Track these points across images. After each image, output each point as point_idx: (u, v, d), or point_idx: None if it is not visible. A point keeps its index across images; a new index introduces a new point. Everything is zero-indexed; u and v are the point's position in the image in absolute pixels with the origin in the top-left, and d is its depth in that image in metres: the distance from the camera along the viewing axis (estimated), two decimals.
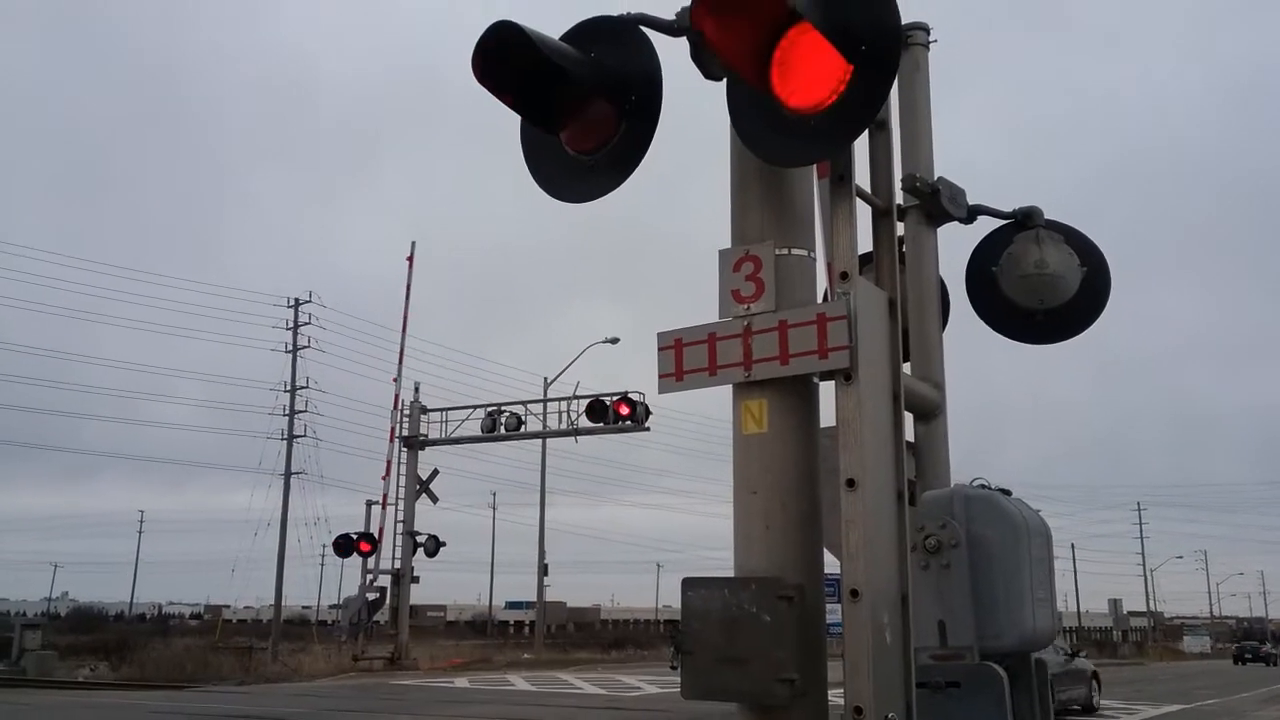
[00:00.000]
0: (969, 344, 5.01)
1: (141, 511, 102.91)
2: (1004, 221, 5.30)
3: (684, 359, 3.87)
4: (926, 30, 4.95)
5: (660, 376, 3.92)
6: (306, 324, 47.83)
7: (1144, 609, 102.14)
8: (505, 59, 3.71)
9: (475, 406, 34.83)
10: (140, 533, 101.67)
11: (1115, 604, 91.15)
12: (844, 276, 3.61)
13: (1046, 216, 5.27)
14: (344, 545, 33.41)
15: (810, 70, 3.52)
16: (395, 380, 36.18)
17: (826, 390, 3.92)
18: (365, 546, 33.34)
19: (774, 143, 3.68)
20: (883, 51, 3.44)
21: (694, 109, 3.91)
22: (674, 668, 3.69)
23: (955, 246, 5.27)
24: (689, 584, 3.72)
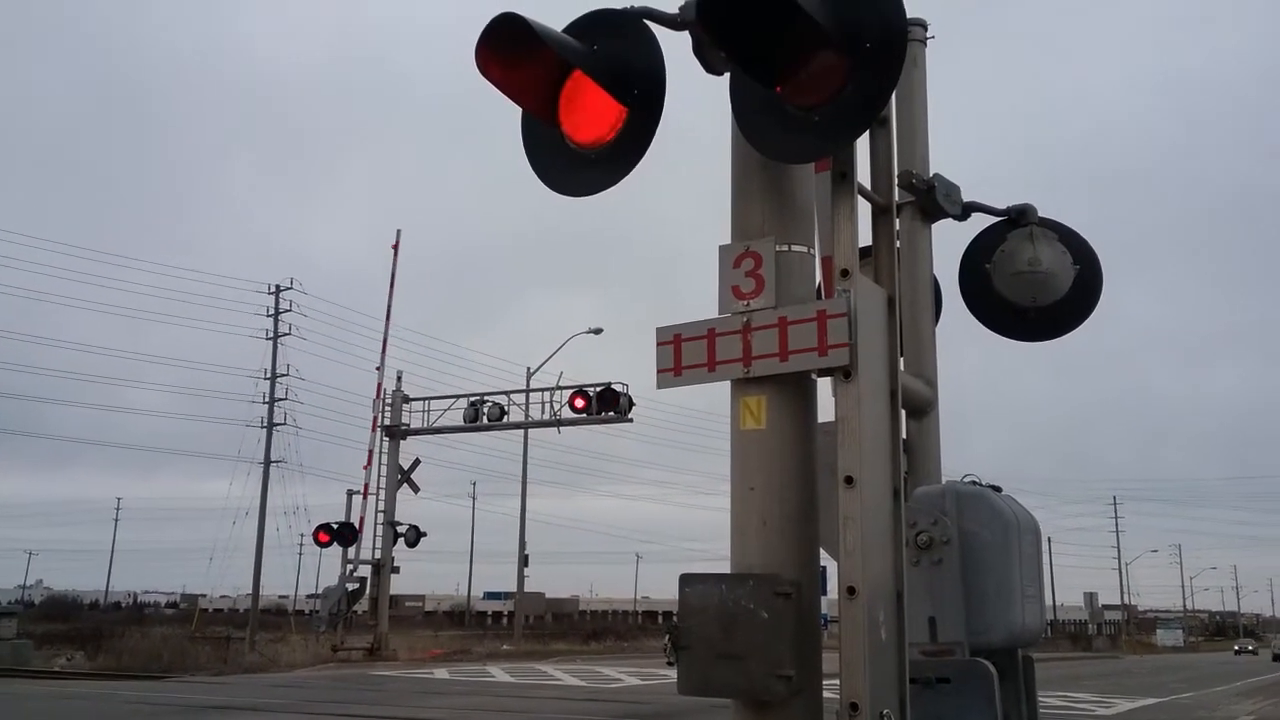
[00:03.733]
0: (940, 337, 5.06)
1: (118, 498, 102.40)
2: (998, 219, 5.32)
3: (683, 354, 3.86)
4: (924, 26, 4.95)
5: (659, 371, 3.91)
6: (287, 311, 47.64)
7: (1118, 602, 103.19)
8: (508, 52, 3.69)
9: (458, 396, 34.76)
10: (116, 520, 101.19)
11: (1091, 597, 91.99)
12: (845, 274, 3.61)
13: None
14: (331, 535, 33.34)
15: (814, 67, 3.52)
16: (379, 369, 36.03)
17: (822, 386, 3.93)
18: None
19: (777, 138, 3.67)
20: (887, 49, 3.44)
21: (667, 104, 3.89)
22: (671, 663, 3.69)
23: (948, 243, 5.30)
24: (687, 579, 3.72)
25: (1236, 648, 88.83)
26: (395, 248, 37.76)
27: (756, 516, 3.72)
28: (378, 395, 35.63)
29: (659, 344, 3.91)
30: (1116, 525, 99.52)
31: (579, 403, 31.44)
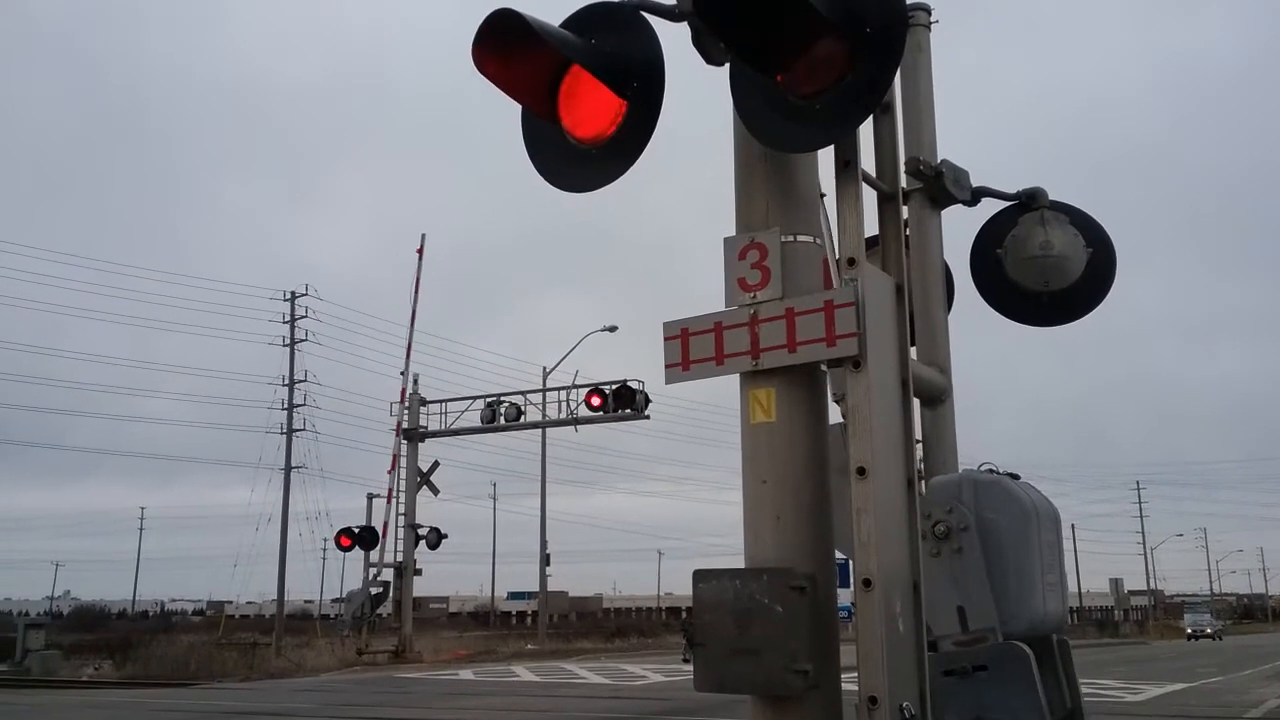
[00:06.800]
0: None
1: (142, 508, 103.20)
2: (1008, 203, 5.26)
3: (690, 348, 3.83)
4: (928, 11, 4.89)
5: (667, 366, 3.87)
6: (303, 317, 47.79)
7: (1144, 587, 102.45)
8: (505, 47, 3.66)
9: (474, 397, 34.81)
10: (141, 530, 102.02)
11: (1117, 583, 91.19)
12: (851, 263, 3.57)
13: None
14: (353, 540, 33.54)
15: (814, 55, 3.47)
16: (403, 374, 36.03)
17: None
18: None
19: (778, 128, 3.63)
20: (888, 34, 3.40)
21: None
22: (686, 660, 3.66)
23: (959, 229, 5.24)
24: (701, 575, 3.69)
25: (1191, 631, 71.08)
26: (420, 251, 37.76)
27: (770, 510, 3.68)
28: (401, 399, 35.68)
29: (666, 338, 3.87)
30: (1140, 510, 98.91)
31: (595, 401, 31.44)
